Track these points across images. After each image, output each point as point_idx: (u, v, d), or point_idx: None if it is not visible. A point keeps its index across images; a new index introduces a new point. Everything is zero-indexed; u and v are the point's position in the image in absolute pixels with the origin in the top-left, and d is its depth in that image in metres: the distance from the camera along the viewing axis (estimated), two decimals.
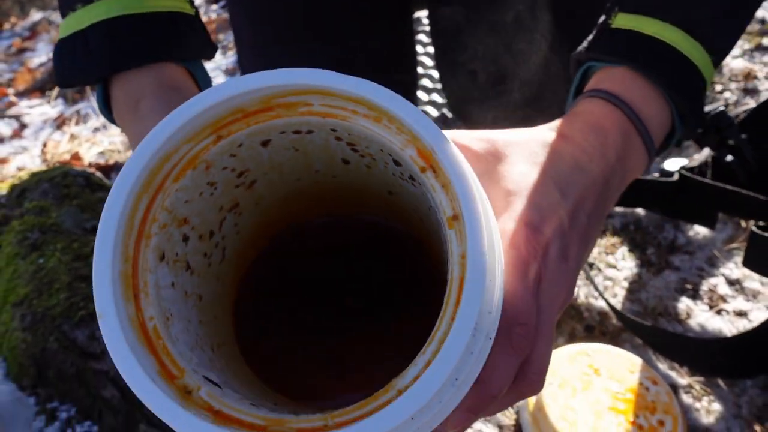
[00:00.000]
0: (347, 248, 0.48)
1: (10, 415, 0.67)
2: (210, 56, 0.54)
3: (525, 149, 0.42)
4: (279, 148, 0.36)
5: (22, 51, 2.26)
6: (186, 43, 0.51)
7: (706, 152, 0.93)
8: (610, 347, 0.76)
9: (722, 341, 0.75)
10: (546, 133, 0.44)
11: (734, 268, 0.91)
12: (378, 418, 0.29)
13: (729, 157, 0.87)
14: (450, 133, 0.43)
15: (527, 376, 0.36)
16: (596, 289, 0.84)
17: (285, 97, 0.32)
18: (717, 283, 0.89)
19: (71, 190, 0.91)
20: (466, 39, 0.84)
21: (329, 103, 0.32)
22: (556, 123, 0.46)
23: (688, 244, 0.95)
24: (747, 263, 0.75)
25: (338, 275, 0.48)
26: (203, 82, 0.52)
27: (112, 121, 0.51)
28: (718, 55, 0.50)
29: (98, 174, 1.01)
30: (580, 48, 0.50)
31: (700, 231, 0.96)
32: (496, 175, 0.41)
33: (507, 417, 0.75)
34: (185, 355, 0.32)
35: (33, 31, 2.40)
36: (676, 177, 0.89)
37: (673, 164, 0.93)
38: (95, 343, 0.73)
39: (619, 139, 0.46)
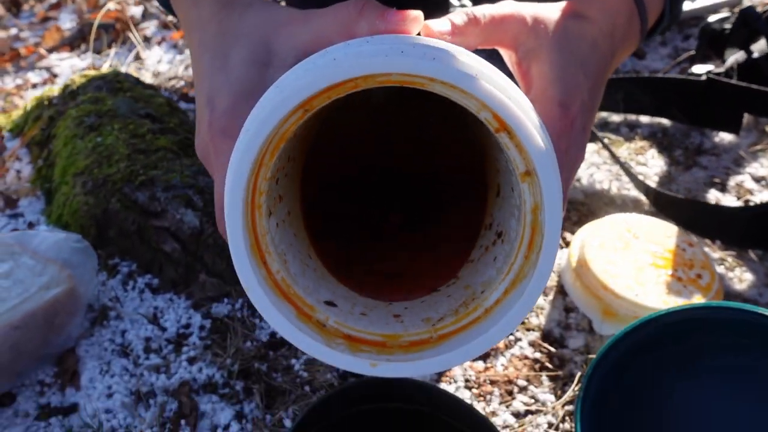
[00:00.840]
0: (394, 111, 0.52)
1: (78, 261, 0.70)
2: None
3: (558, 30, 0.48)
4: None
5: (46, 20, 2.30)
6: None
7: (732, 60, 0.97)
8: (646, 216, 0.79)
9: (756, 209, 0.79)
10: (571, 12, 0.50)
11: (759, 167, 0.94)
12: (479, 341, 0.38)
13: (755, 54, 0.91)
14: (510, 6, 0.48)
15: None
16: (627, 172, 0.87)
17: None
18: (743, 179, 0.92)
19: (124, 85, 0.95)
20: None
21: (407, 75, 0.34)
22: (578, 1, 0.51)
23: (714, 148, 0.98)
24: None
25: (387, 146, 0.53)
26: None
27: (169, 7, 0.52)
28: None
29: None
30: None
31: (725, 137, 1.00)
32: (541, 54, 0.47)
33: (549, 279, 0.78)
34: (305, 287, 0.40)
35: (54, 4, 2.44)
36: (703, 78, 0.94)
37: (700, 69, 0.97)
38: (155, 203, 0.76)
39: (625, 21, 0.52)
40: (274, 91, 0.35)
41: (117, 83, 0.95)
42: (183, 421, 0.63)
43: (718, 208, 0.81)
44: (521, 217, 0.38)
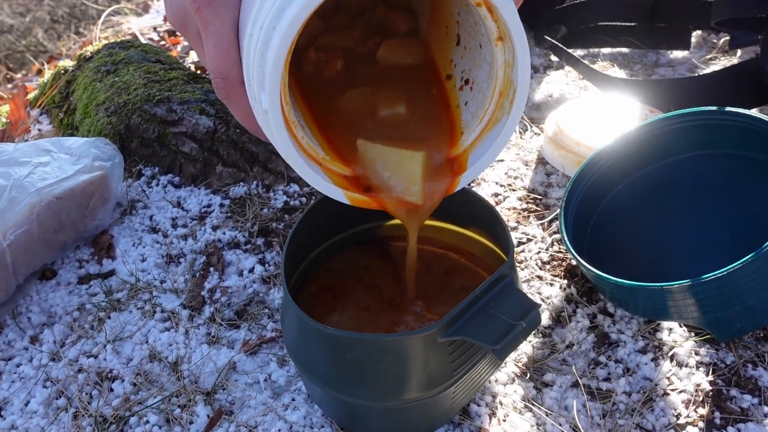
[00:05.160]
0: None
1: (107, 157, 0.78)
2: None
3: None
4: None
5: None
6: None
7: None
8: (610, 96, 0.89)
9: (711, 76, 0.88)
10: None
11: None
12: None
13: None
14: None
15: None
16: (575, 59, 0.97)
17: None
18: None
19: (134, 44, 1.05)
20: None
21: None
22: None
23: (669, 62, 1.09)
24: (715, 17, 0.89)
25: None
26: None
27: None
28: None
29: None
30: None
31: (678, 54, 1.11)
32: None
33: (529, 152, 0.87)
34: (318, 146, 0.49)
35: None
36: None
37: None
38: (173, 114, 0.85)
39: None
40: None
41: (128, 43, 1.05)
42: (212, 269, 0.70)
43: (672, 82, 0.91)
44: (493, 73, 0.47)
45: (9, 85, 2.35)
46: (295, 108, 0.49)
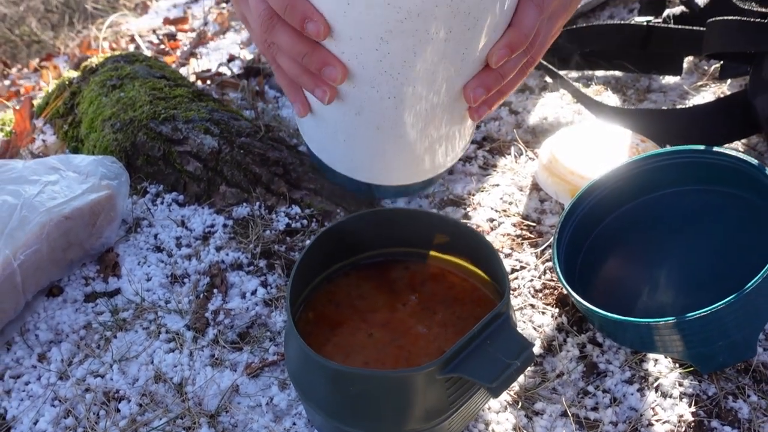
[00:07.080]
0: None
1: (114, 176, 0.80)
2: None
3: None
4: None
5: (37, 70, 2.42)
6: None
7: (667, 12, 1.13)
8: (603, 124, 0.91)
9: (701, 108, 0.91)
10: None
11: (702, 99, 1.07)
12: None
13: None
14: None
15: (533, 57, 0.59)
16: (568, 84, 1.00)
17: None
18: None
19: (139, 58, 1.07)
20: None
21: None
22: None
23: (661, 88, 1.12)
24: (705, 50, 0.92)
25: None
26: None
27: None
28: None
29: None
30: None
31: (670, 80, 1.14)
32: None
33: (524, 177, 0.89)
34: None
35: (44, 57, 2.57)
36: (644, 24, 1.08)
37: (641, 19, 1.12)
38: (178, 133, 0.87)
39: None
40: None
41: (132, 56, 1.07)
42: (215, 290, 0.73)
43: (665, 113, 0.93)
44: None
45: (6, 81, 2.35)
46: None
